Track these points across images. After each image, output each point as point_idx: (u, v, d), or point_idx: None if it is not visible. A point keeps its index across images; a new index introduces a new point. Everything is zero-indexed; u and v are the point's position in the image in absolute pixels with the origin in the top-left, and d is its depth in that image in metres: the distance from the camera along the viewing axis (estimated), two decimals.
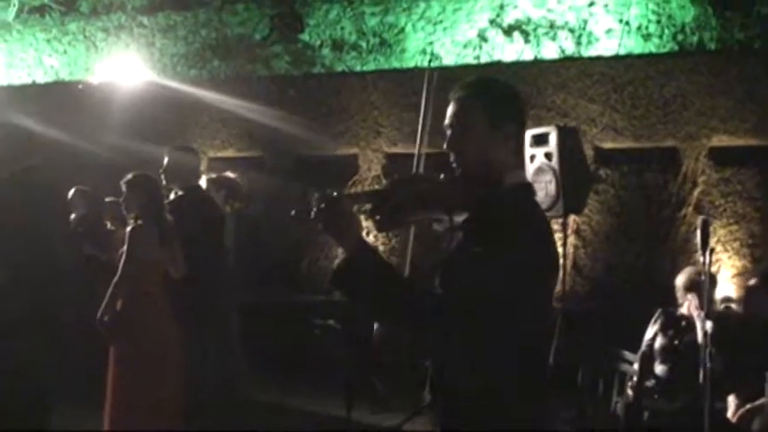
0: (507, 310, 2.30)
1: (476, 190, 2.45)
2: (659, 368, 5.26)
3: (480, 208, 2.43)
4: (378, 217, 2.46)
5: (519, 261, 2.31)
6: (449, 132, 2.53)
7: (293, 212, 2.46)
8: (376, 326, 2.62)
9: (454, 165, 2.53)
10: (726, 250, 7.31)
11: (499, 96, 2.53)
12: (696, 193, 7.60)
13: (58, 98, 10.23)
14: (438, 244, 2.60)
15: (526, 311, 2.37)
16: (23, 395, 5.07)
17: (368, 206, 2.47)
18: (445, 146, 2.54)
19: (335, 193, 2.41)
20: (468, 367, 2.38)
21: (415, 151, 3.04)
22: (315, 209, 2.40)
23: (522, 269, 2.31)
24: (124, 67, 10.34)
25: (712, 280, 5.43)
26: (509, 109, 2.52)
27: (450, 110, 2.54)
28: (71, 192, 7.25)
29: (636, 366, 5.39)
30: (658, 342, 5.43)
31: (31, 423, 5.20)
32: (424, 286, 2.48)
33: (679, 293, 5.52)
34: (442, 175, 2.54)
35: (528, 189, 2.55)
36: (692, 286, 5.41)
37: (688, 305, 5.36)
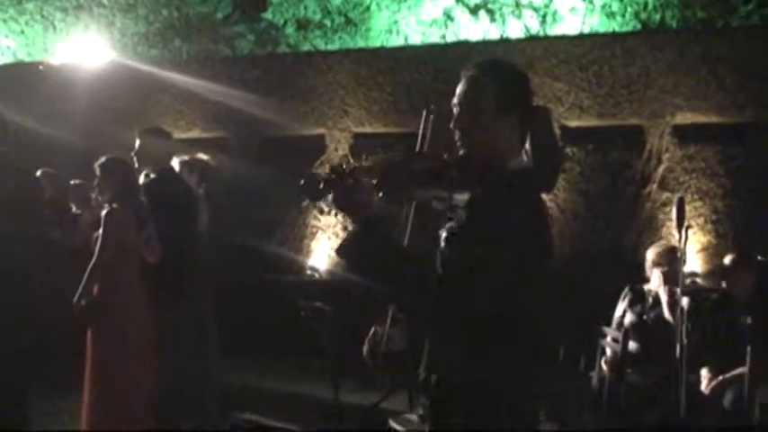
0: (508, 292, 2.34)
1: (479, 172, 2.47)
2: (631, 344, 5.36)
3: (483, 191, 2.45)
4: (381, 192, 2.47)
5: (520, 243, 2.34)
6: (456, 110, 2.54)
7: (301, 182, 2.46)
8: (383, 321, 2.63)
9: (458, 144, 2.54)
10: (690, 226, 7.43)
11: (509, 80, 2.54)
12: (661, 170, 7.71)
13: (16, 79, 10.04)
14: (436, 220, 2.62)
15: (527, 292, 2.41)
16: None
17: (372, 180, 2.48)
18: (452, 124, 2.55)
19: (345, 166, 2.43)
20: (468, 349, 2.40)
21: (419, 133, 3.05)
22: (325, 180, 2.41)
23: (522, 251, 2.35)
24: (84, 47, 10.18)
25: (676, 256, 5.55)
26: (518, 93, 2.54)
27: (459, 88, 2.54)
28: (37, 173, 7.13)
29: (608, 340, 5.49)
30: (627, 318, 5.55)
31: (5, 411, 5.17)
32: (425, 263, 2.50)
33: (647, 268, 5.64)
34: (445, 155, 2.56)
35: (530, 174, 2.58)
36: (659, 261, 5.53)
37: (656, 281, 5.49)
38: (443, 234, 2.50)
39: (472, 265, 2.34)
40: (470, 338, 2.37)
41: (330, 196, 2.43)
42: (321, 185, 2.43)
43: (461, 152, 2.53)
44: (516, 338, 2.41)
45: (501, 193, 2.41)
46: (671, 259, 5.42)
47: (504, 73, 2.56)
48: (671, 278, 5.34)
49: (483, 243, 2.35)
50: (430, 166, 2.50)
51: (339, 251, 2.47)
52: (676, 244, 4.89)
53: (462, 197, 2.48)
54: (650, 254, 5.66)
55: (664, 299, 5.36)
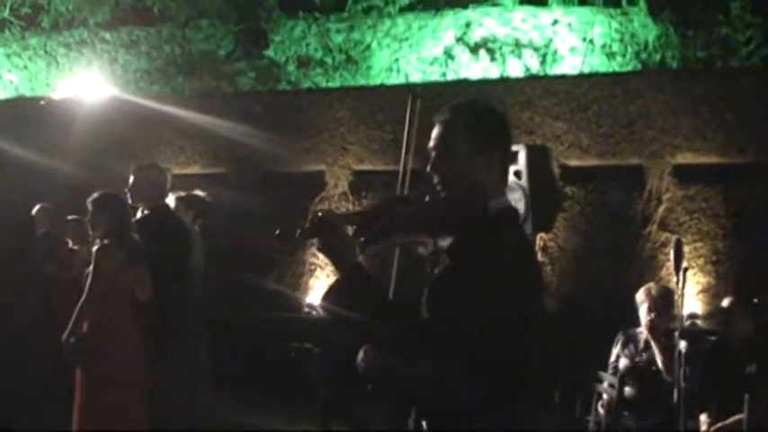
0: (496, 336, 2.30)
1: (461, 214, 2.43)
2: (626, 389, 5.29)
3: (466, 234, 2.41)
4: (362, 238, 2.44)
5: (506, 288, 2.31)
6: (432, 154, 2.51)
7: (277, 232, 2.44)
8: (360, 354, 2.57)
9: (438, 188, 2.51)
10: (691, 267, 7.37)
11: (484, 119, 2.51)
12: (661, 210, 7.66)
13: (19, 114, 10.06)
14: (421, 267, 2.58)
15: (515, 337, 2.36)
16: None
17: (352, 227, 2.46)
18: (428, 168, 2.51)
19: (323, 213, 2.41)
20: (454, 393, 2.35)
21: (400, 169, 3.01)
22: (308, 226, 2.39)
23: (509, 295, 2.31)
24: (87, 82, 10.22)
25: (672, 301, 5.50)
26: (494, 132, 2.50)
27: (434, 132, 2.52)
28: (35, 209, 7.14)
29: (605, 385, 5.42)
30: (621, 363, 5.49)
31: None
32: (411, 311, 2.47)
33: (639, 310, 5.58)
34: (426, 198, 2.52)
35: (513, 214, 2.54)
36: (643, 302, 5.48)
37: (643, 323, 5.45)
38: (427, 280, 2.47)
39: (458, 313, 2.30)
40: (460, 385, 2.32)
41: (315, 243, 2.41)
42: (297, 234, 2.40)
43: (441, 195, 2.49)
44: (508, 383, 2.36)
45: (484, 235, 2.37)
46: (656, 300, 5.37)
47: (475, 111, 2.53)
48: (657, 324, 5.29)
49: (467, 288, 2.30)
50: (410, 210, 2.47)
51: (323, 299, 2.42)
52: (672, 285, 4.83)
53: (445, 242, 2.44)
54: (637, 295, 5.60)
55: (653, 344, 5.31)
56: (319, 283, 8.64)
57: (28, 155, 8.89)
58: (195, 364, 5.88)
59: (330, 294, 2.41)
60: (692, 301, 7.19)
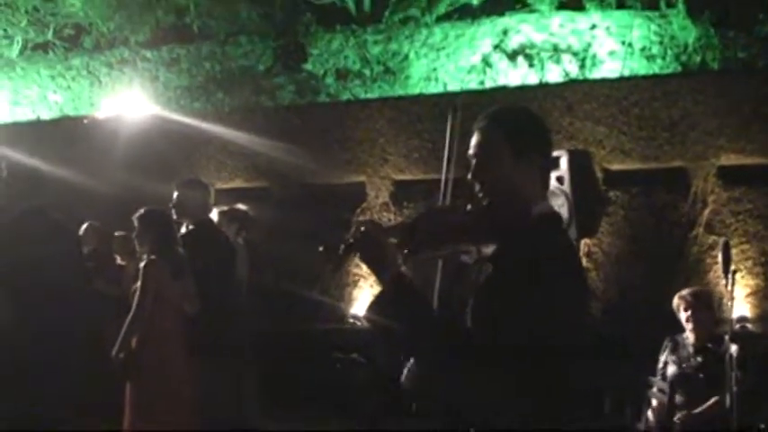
0: (542, 345, 2.25)
1: (503, 221, 2.42)
2: (677, 396, 5.21)
3: (509, 240, 2.39)
4: (405, 250, 2.43)
5: (551, 294, 2.26)
6: (473, 162, 2.50)
7: (321, 248, 2.45)
8: (407, 366, 2.57)
9: (480, 195, 2.49)
10: (738, 270, 7.26)
11: (523, 125, 2.48)
12: (706, 212, 7.57)
13: (63, 134, 10.24)
14: (465, 276, 2.56)
15: (562, 344, 2.32)
16: None
17: (395, 240, 2.45)
18: (470, 176, 2.50)
19: (365, 226, 2.40)
20: (503, 404, 2.33)
21: (442, 178, 3.02)
22: (351, 240, 2.38)
23: (554, 302, 2.27)
24: (129, 101, 10.37)
25: (710, 303, 5.43)
26: (533, 137, 2.48)
27: (474, 139, 2.50)
28: (83, 227, 7.23)
29: (655, 391, 5.36)
30: (670, 370, 5.41)
31: None
32: (453, 321, 2.45)
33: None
34: (468, 206, 2.51)
35: (556, 219, 2.52)
36: (678, 306, 5.41)
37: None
38: (471, 288, 2.45)
39: (502, 322, 2.27)
40: (505, 394, 2.28)
41: (358, 254, 2.40)
42: (341, 250, 2.40)
43: (483, 203, 2.48)
44: (555, 393, 2.32)
45: (527, 242, 2.35)
46: (688, 300, 5.30)
47: (514, 117, 2.51)
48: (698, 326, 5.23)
49: (511, 296, 2.28)
50: (452, 220, 2.46)
51: (368, 310, 2.42)
52: (720, 289, 4.76)
53: (489, 249, 2.43)
54: (673, 304, 5.51)
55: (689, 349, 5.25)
56: (363, 293, 8.65)
57: (73, 173, 9.03)
58: (240, 376, 5.92)
59: (374, 306, 2.40)
60: (742, 304, 7.08)
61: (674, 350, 5.44)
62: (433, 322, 2.37)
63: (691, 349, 5.34)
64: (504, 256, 2.39)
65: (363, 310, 2.37)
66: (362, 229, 2.41)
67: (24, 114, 11.49)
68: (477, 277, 2.48)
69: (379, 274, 2.40)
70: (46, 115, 11.38)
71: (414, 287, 2.39)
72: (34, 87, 11.50)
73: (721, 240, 4.86)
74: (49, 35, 11.34)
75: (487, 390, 2.31)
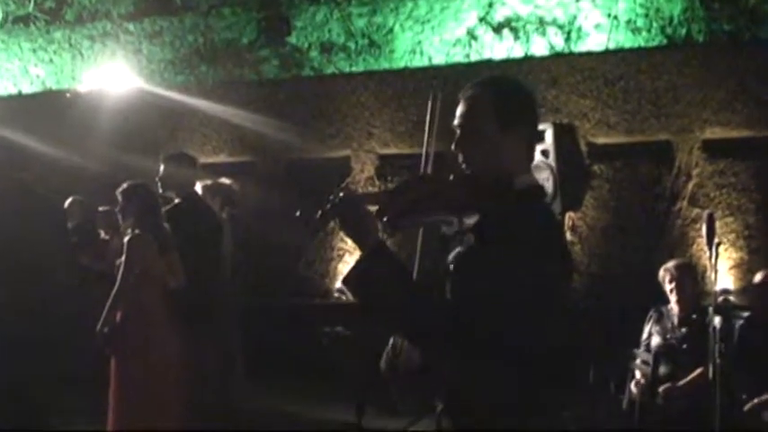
0: (522, 317, 2.23)
1: (486, 192, 2.38)
2: (661, 368, 5.26)
3: (490, 211, 2.36)
4: (385, 218, 2.38)
5: (532, 267, 2.24)
6: (458, 132, 2.46)
7: (298, 213, 2.39)
8: (383, 356, 2.54)
9: (463, 165, 2.46)
10: (722, 242, 7.29)
11: (510, 96, 2.45)
12: (690, 185, 7.59)
13: (45, 108, 10.15)
14: (446, 246, 2.54)
15: (541, 318, 2.30)
16: (20, 412, 5.03)
17: (375, 207, 2.42)
18: (453, 146, 2.46)
19: (344, 192, 2.38)
20: (481, 378, 2.30)
21: (423, 151, 2.96)
22: (330, 205, 2.35)
23: (535, 275, 2.24)
24: (111, 74, 10.27)
25: (694, 275, 5.48)
26: (520, 109, 2.44)
27: (459, 109, 2.46)
28: (68, 201, 7.19)
29: (638, 362, 5.40)
30: (654, 341, 5.44)
31: None
32: (435, 291, 2.43)
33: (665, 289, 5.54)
34: (450, 176, 2.48)
35: (539, 192, 2.50)
36: (663, 278, 5.46)
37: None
38: (452, 259, 2.43)
39: (483, 292, 2.25)
40: (487, 366, 2.26)
41: (337, 222, 2.37)
42: (318, 214, 2.36)
43: (466, 173, 2.45)
44: (537, 362, 2.29)
45: (509, 213, 2.32)
46: (672, 272, 5.35)
47: (502, 88, 2.48)
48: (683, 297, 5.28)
49: (492, 267, 2.26)
50: (434, 189, 2.43)
51: (346, 281, 2.37)
52: (704, 261, 4.79)
53: (470, 220, 2.40)
54: (659, 276, 5.55)
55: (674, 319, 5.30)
56: (348, 267, 8.65)
57: (56, 147, 8.96)
58: (227, 349, 5.93)
59: (351, 274, 2.36)
60: (725, 276, 7.13)
61: (658, 321, 5.48)
62: (413, 292, 2.32)
63: (675, 320, 5.39)
64: (487, 229, 2.35)
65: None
66: (341, 195, 2.38)
67: (6, 88, 11.37)
68: (458, 248, 2.45)
69: (358, 242, 2.37)
70: (28, 89, 11.27)
71: (393, 256, 2.35)
72: (15, 61, 11.37)
73: (705, 213, 4.88)
74: (30, 8, 11.17)
75: (466, 359, 2.30)
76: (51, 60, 11.18)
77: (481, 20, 9.06)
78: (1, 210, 4.88)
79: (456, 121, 2.47)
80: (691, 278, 5.46)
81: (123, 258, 5.15)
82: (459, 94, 2.49)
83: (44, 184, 5.53)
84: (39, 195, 5.34)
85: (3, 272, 4.78)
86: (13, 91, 11.31)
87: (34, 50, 11.23)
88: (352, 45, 9.69)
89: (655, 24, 8.59)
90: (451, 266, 2.42)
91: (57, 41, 11.12)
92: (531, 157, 2.53)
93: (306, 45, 9.90)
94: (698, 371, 4.99)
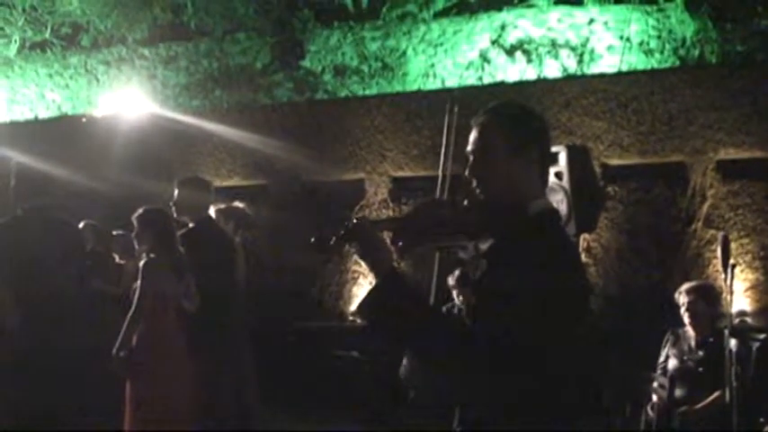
0: (537, 343, 2.25)
1: (500, 217, 2.41)
2: (677, 391, 5.22)
3: (505, 236, 2.39)
4: (400, 243, 2.42)
5: (548, 292, 2.25)
6: (471, 158, 2.49)
7: (313, 239, 2.42)
8: (404, 361, 2.56)
9: (477, 191, 2.49)
10: (738, 264, 7.26)
11: (521, 121, 2.48)
12: (705, 207, 7.56)
13: (61, 133, 10.23)
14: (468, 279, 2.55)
15: (558, 343, 2.31)
16: None
17: (390, 233, 2.44)
18: (467, 172, 2.48)
19: (360, 219, 2.40)
20: (497, 403, 2.32)
21: (439, 174, 2.99)
22: (342, 232, 2.37)
23: (550, 301, 2.25)
24: (126, 99, 10.36)
25: (710, 297, 5.44)
26: (532, 133, 2.47)
27: (472, 136, 2.49)
28: (81, 225, 7.22)
29: (655, 386, 5.36)
30: (671, 364, 5.41)
31: None
32: (449, 316, 2.45)
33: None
34: (465, 201, 2.50)
35: (553, 215, 2.51)
36: (679, 298, 5.43)
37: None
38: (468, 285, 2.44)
39: (499, 318, 2.26)
40: (503, 391, 2.29)
41: (353, 248, 2.39)
42: (332, 241, 2.38)
43: (480, 198, 2.47)
44: (552, 387, 2.31)
45: (523, 238, 2.34)
46: (690, 293, 5.32)
47: (512, 113, 2.50)
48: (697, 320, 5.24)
49: (507, 292, 2.26)
50: (448, 214, 2.44)
51: (360, 309, 2.39)
52: (719, 283, 4.77)
53: (485, 245, 2.42)
54: (675, 297, 5.52)
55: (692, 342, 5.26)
56: (362, 291, 8.65)
57: (71, 172, 9.02)
58: (242, 372, 5.92)
59: (366, 301, 2.37)
60: (741, 298, 7.09)
61: (675, 343, 5.45)
62: (427, 317, 2.34)
63: (692, 343, 5.35)
64: (500, 253, 2.38)
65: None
66: (355, 221, 2.40)
67: (22, 113, 11.49)
68: (474, 274, 2.46)
69: (372, 268, 2.39)
70: (44, 114, 11.38)
71: (407, 282, 2.37)
72: (32, 86, 11.49)
73: (720, 235, 4.87)
74: (47, 34, 11.32)
75: (485, 387, 2.31)
76: (67, 85, 11.30)
77: (494, 42, 9.10)
78: (20, 235, 4.91)
79: (469, 148, 2.50)
80: (705, 301, 5.42)
81: (139, 282, 5.17)
82: (471, 120, 2.51)
83: (61, 209, 5.57)
84: (57, 220, 5.39)
85: (20, 295, 4.81)
86: (30, 116, 11.42)
87: (51, 76, 11.35)
88: (365, 68, 9.75)
89: (667, 46, 8.62)
90: (474, 294, 2.43)
91: (73, 67, 11.24)
92: (546, 181, 2.54)
93: (319, 69, 9.97)
94: (715, 394, 4.96)
